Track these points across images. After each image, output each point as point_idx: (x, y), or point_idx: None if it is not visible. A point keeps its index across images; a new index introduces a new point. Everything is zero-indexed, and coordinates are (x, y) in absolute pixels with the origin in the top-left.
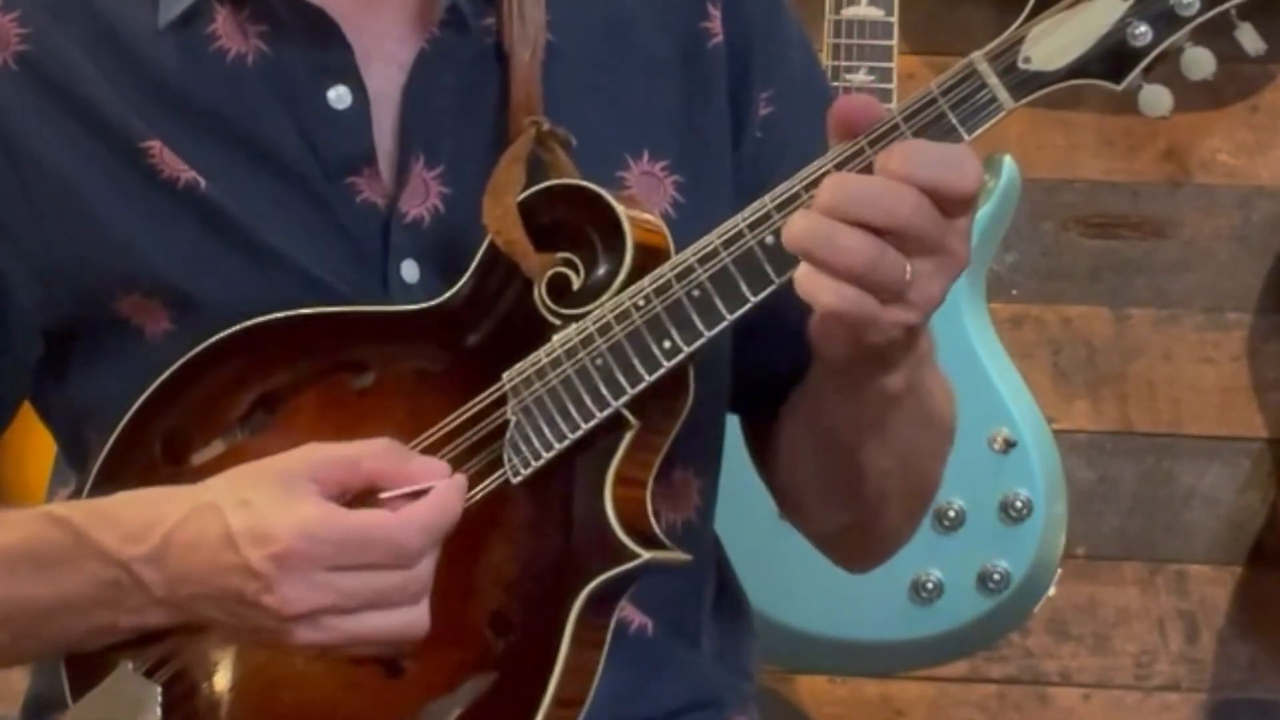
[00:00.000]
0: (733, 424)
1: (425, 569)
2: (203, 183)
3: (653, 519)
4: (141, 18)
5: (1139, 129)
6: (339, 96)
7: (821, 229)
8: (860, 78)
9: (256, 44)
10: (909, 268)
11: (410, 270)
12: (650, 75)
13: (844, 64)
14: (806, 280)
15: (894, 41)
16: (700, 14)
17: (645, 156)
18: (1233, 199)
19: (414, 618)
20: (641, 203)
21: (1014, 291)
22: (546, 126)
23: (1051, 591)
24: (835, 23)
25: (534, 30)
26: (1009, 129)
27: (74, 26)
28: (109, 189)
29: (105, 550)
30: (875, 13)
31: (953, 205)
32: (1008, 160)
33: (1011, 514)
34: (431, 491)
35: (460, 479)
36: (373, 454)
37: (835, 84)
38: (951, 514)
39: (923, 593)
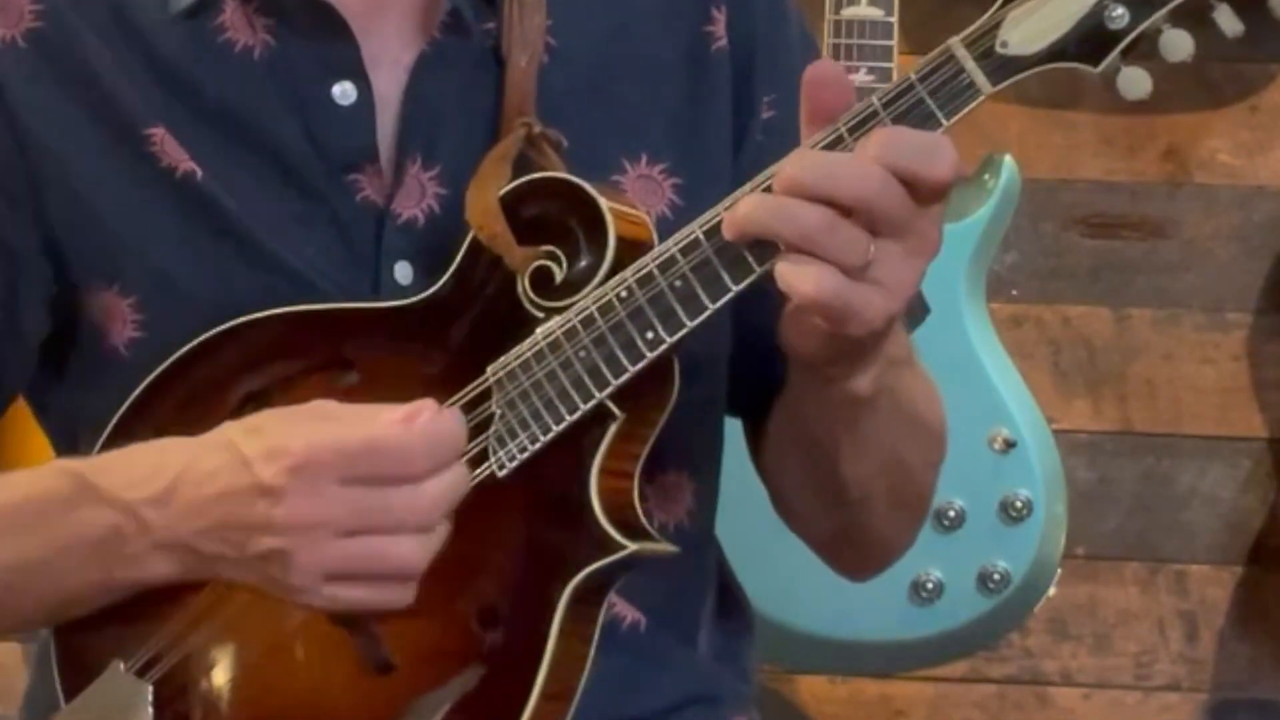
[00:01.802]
0: (736, 426)
1: (432, 490)
2: (199, 174)
3: (640, 511)
4: (153, 5)
5: (1139, 129)
6: (344, 92)
7: (769, 202)
8: (860, 78)
9: (264, 37)
10: (872, 246)
11: (403, 271)
12: (651, 78)
13: (844, 64)
14: (786, 271)
15: (894, 41)
16: (704, 17)
17: (643, 159)
18: (1233, 199)
19: (416, 548)
20: (626, 195)
21: (1014, 291)
22: (537, 129)
23: (1051, 591)
24: (835, 23)
25: (533, 35)
26: (1009, 129)
27: (88, 8)
28: (105, 173)
29: (110, 494)
30: (875, 13)
31: (926, 193)
32: (1008, 160)
33: (1011, 514)
34: (432, 411)
35: (455, 410)
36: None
37: None
38: (951, 514)
39: (923, 593)
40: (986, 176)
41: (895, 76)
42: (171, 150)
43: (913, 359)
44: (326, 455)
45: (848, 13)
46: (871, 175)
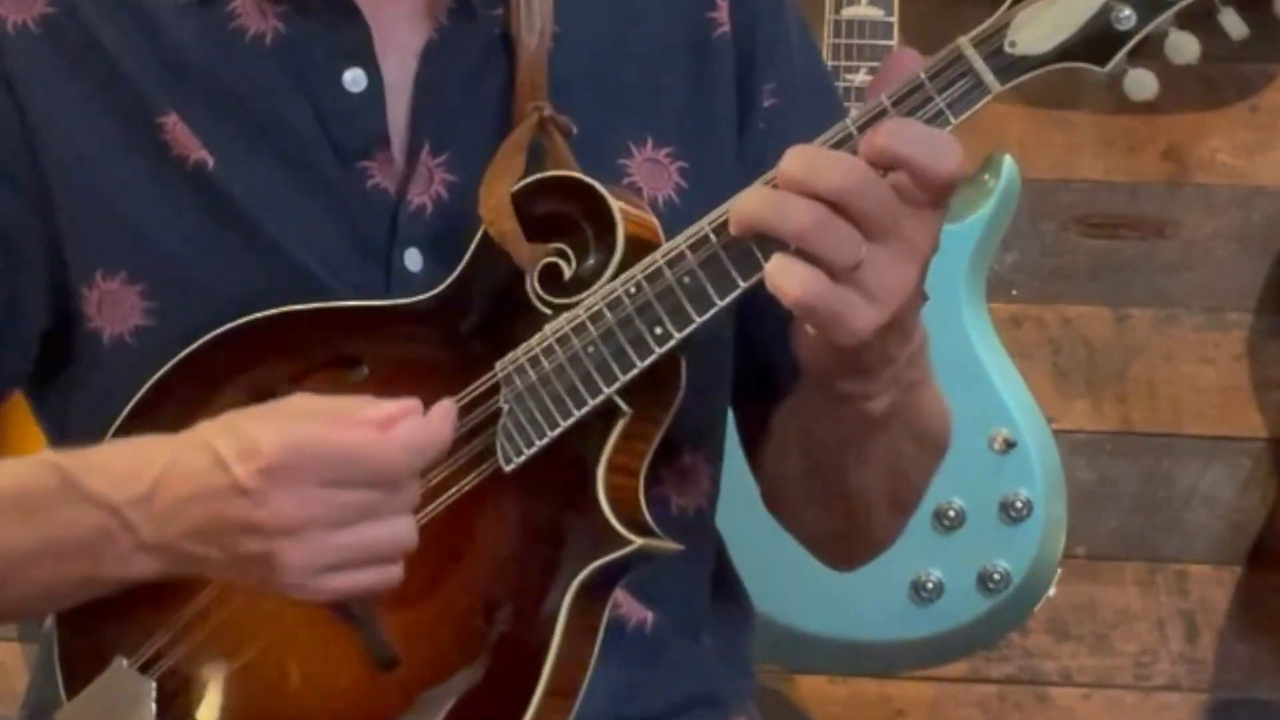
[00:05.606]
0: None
1: (413, 486)
2: (211, 163)
3: (645, 508)
4: None
5: (1139, 129)
6: (354, 79)
7: (767, 196)
8: (860, 78)
9: (275, 24)
10: (863, 246)
11: (414, 258)
12: (656, 63)
13: (844, 64)
14: (775, 272)
15: (894, 41)
16: (707, 4)
17: (649, 144)
18: (1233, 199)
19: (402, 529)
20: (633, 196)
21: (1014, 291)
22: (548, 113)
23: (1051, 591)
24: (835, 22)
25: (541, 19)
26: (1009, 129)
27: None
28: (117, 159)
29: (95, 493)
30: (875, 13)
31: (929, 188)
32: (1008, 160)
33: (1011, 514)
34: (421, 415)
35: (449, 404)
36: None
37: (836, 83)
38: (951, 514)
39: (923, 593)
40: (986, 176)
41: None
42: (183, 138)
43: (929, 379)
44: (301, 458)
45: (848, 13)
46: (853, 170)
